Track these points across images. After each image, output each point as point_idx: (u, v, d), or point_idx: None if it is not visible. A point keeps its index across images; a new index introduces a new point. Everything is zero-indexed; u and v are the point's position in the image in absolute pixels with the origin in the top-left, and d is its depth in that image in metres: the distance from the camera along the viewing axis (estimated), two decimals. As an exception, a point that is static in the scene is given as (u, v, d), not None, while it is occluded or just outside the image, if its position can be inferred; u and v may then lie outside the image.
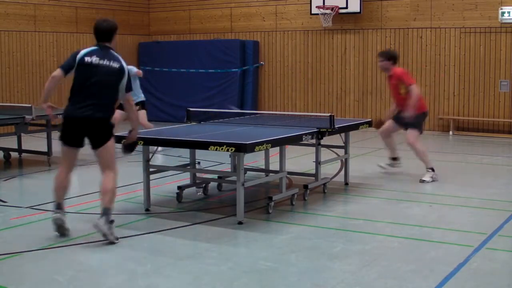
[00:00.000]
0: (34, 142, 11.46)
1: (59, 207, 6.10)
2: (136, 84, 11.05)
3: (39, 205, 7.41)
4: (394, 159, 9.53)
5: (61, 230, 6.08)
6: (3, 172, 9.79)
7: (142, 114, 11.09)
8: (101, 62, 5.97)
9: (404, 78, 8.86)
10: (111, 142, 6.04)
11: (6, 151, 10.71)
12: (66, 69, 6.05)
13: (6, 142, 11.17)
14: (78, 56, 6.02)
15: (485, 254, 5.63)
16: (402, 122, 9.00)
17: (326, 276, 5.13)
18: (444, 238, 6.09)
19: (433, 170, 8.89)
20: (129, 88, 6.08)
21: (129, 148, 6.45)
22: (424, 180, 8.77)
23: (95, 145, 6.04)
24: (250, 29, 16.65)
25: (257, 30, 16.56)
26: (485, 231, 6.30)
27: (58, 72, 6.03)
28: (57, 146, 10.75)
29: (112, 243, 5.85)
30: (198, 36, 17.41)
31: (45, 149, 10.19)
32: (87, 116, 5.90)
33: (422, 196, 7.95)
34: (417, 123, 8.90)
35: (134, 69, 11.55)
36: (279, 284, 4.98)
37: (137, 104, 10.77)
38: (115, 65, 6.01)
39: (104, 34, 6.09)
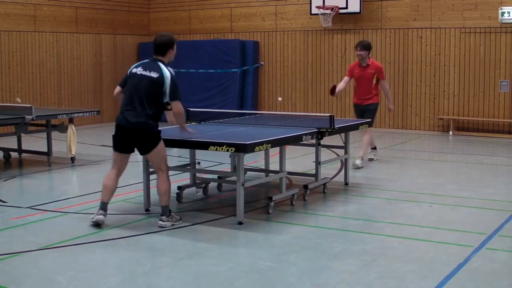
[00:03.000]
0: (34, 142, 11.46)
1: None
2: None
3: (39, 205, 7.41)
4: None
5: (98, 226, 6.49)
6: (3, 172, 9.79)
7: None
8: (144, 72, 6.29)
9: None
10: (159, 146, 6.38)
11: (6, 151, 10.70)
12: (120, 84, 6.61)
13: (6, 142, 11.17)
14: (129, 69, 6.50)
15: (485, 254, 5.64)
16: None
17: (326, 276, 5.13)
18: (444, 238, 6.09)
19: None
20: (174, 98, 6.29)
21: None
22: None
23: (129, 150, 6.50)
24: (250, 29, 16.65)
25: (257, 30, 16.56)
26: (485, 231, 6.31)
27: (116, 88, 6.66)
28: (56, 146, 10.79)
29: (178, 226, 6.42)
30: (198, 36, 17.41)
31: (45, 149, 10.19)
32: (127, 124, 6.30)
33: (422, 196, 7.95)
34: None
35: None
36: (279, 284, 4.98)
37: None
38: (154, 75, 6.24)
39: (157, 47, 6.41)
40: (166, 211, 6.46)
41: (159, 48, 6.38)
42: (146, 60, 6.49)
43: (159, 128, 6.45)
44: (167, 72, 6.25)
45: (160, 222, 6.43)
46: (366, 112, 10.02)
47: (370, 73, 10.02)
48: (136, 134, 6.30)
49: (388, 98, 10.69)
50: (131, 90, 6.32)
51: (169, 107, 12.50)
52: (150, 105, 6.25)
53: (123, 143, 6.43)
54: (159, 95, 6.27)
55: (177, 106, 6.34)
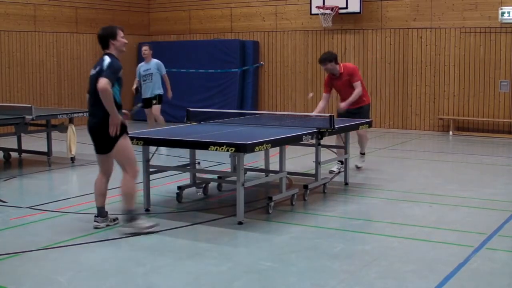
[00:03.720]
0: (34, 142, 11.46)
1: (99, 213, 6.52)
2: (159, 77, 12.35)
3: (39, 205, 7.41)
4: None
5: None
6: (3, 172, 9.79)
7: (158, 108, 12.42)
8: (92, 72, 6.28)
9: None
10: (119, 144, 6.19)
11: (6, 151, 10.70)
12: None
13: (6, 142, 11.17)
14: None
15: (485, 254, 5.63)
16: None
17: (326, 276, 5.13)
18: (444, 238, 6.09)
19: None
20: (103, 73, 6.03)
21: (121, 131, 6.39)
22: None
23: (101, 151, 6.39)
24: (250, 29, 16.65)
25: (257, 30, 16.56)
26: (485, 231, 6.30)
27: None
28: (56, 146, 10.79)
29: (149, 233, 6.18)
30: (198, 36, 17.41)
31: (45, 149, 10.19)
32: (88, 125, 6.35)
33: (422, 196, 7.95)
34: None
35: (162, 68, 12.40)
36: (279, 284, 4.98)
37: (154, 98, 12.34)
38: (97, 68, 6.21)
39: (99, 42, 6.37)
40: (127, 217, 6.19)
41: (100, 42, 6.33)
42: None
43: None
44: (107, 60, 6.16)
45: (120, 228, 6.28)
46: (357, 114, 9.28)
47: (346, 80, 9.28)
48: (95, 133, 6.27)
49: (351, 97, 9.23)
50: (89, 92, 6.31)
51: (154, 101, 12.78)
52: (99, 100, 6.08)
53: (95, 145, 6.41)
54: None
55: (101, 81, 5.94)
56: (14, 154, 10.79)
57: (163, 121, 12.23)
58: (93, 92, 6.15)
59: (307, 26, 15.83)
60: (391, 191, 8.26)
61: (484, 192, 8.20)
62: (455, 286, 4.88)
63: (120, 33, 6.33)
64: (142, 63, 12.55)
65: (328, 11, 14.92)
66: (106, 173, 6.48)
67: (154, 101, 12.30)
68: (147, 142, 6.98)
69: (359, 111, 9.40)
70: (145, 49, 12.45)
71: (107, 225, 6.46)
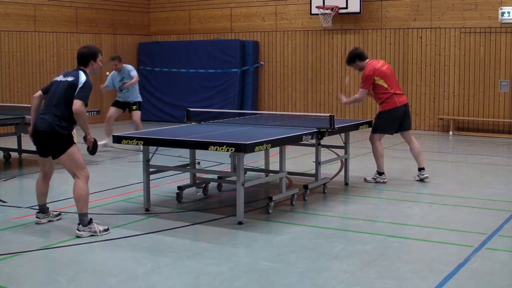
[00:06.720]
0: (34, 142, 11.45)
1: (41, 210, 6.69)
2: (135, 86, 11.86)
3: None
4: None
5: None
6: (3, 172, 9.78)
7: (138, 114, 11.96)
8: (63, 79, 6.28)
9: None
10: (69, 151, 6.23)
11: (6, 151, 10.70)
12: (43, 89, 6.52)
13: (6, 142, 11.17)
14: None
15: (485, 254, 5.63)
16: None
17: (326, 276, 5.13)
18: (444, 238, 6.09)
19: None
20: (77, 97, 6.08)
21: (92, 151, 6.64)
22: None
23: (46, 155, 6.47)
24: (250, 29, 16.65)
25: (257, 30, 16.56)
26: (485, 231, 6.31)
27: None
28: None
29: (105, 235, 6.16)
30: (198, 36, 17.41)
31: (45, 149, 10.18)
32: (39, 127, 6.26)
33: (422, 196, 7.95)
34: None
35: (133, 72, 11.82)
36: (279, 284, 4.98)
37: (134, 104, 11.88)
38: (70, 79, 6.21)
39: (78, 58, 6.39)
40: (82, 220, 6.14)
41: (80, 59, 6.34)
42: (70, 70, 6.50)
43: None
44: (83, 76, 6.19)
45: (76, 231, 6.15)
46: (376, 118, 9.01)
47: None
48: (44, 137, 6.23)
49: (350, 98, 9.23)
50: (50, 95, 6.27)
51: (134, 107, 12.51)
52: (63, 109, 6.13)
53: (39, 147, 6.39)
54: (72, 98, 6.11)
55: (77, 103, 6.02)
56: (14, 154, 10.79)
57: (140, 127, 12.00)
58: (59, 99, 6.15)
59: (307, 26, 15.83)
60: (391, 191, 8.26)
61: (484, 192, 8.20)
62: (455, 286, 4.88)
63: (100, 57, 6.42)
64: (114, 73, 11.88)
65: (328, 11, 14.92)
66: (47, 174, 6.62)
67: (134, 107, 11.82)
68: (147, 142, 6.98)
69: (378, 115, 9.00)
70: (115, 63, 11.65)
71: (49, 221, 6.61)
